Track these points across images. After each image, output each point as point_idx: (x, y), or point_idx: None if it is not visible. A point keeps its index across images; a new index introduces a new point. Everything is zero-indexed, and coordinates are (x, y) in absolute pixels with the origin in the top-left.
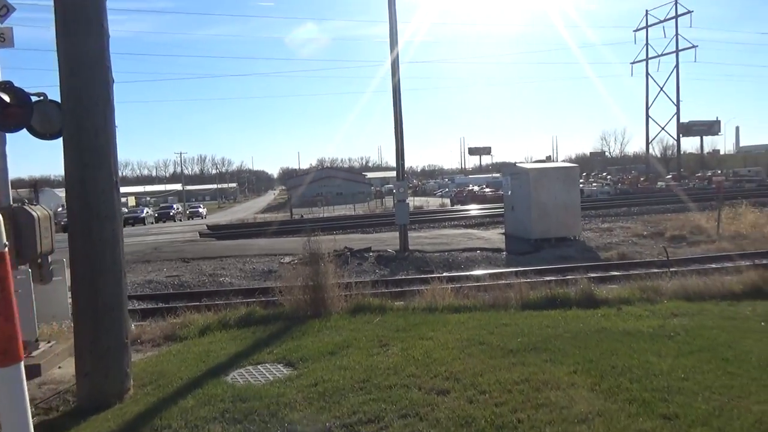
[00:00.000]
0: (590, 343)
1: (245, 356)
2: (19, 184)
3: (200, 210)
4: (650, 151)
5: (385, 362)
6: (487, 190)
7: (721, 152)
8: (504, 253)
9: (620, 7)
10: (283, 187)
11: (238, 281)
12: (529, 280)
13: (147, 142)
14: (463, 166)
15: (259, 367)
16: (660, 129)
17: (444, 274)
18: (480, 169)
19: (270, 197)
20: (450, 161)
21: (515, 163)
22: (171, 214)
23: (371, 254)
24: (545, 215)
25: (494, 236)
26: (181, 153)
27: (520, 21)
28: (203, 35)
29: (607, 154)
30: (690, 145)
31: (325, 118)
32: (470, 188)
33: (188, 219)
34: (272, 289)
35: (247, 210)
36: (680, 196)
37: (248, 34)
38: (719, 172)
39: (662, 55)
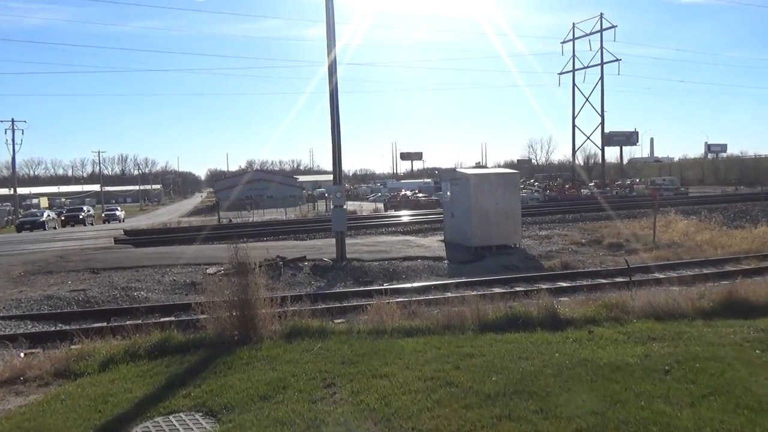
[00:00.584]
0: (581, 383)
1: (155, 402)
2: None
3: (117, 213)
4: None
5: (334, 414)
6: (421, 195)
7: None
8: (446, 261)
9: (549, 19)
10: (211, 190)
11: (156, 296)
12: (477, 292)
13: (62, 139)
14: (395, 171)
15: (171, 418)
16: (586, 138)
17: (385, 285)
18: (412, 174)
19: (197, 200)
20: (382, 166)
21: (455, 168)
22: (80, 217)
23: (306, 264)
24: (486, 222)
25: (434, 244)
26: (99, 152)
27: (450, 28)
28: (126, 29)
29: (534, 161)
30: (610, 154)
31: (255, 119)
32: (403, 193)
33: (104, 222)
34: (195, 306)
35: (172, 213)
36: (606, 204)
37: (176, 29)
38: (637, 180)
39: (588, 67)
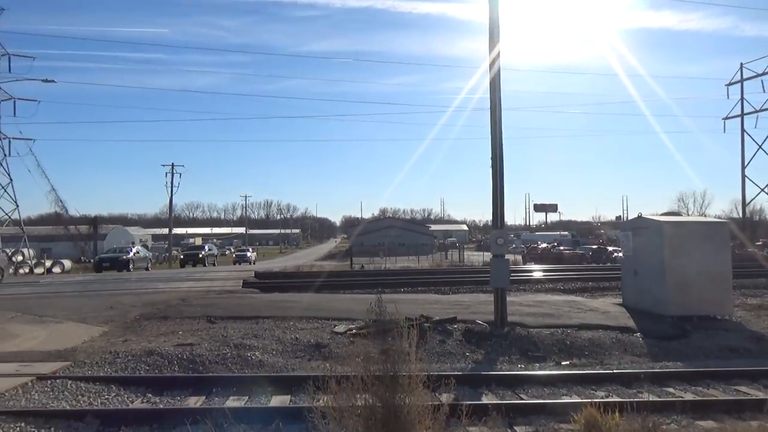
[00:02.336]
0: None
1: None
2: (79, 220)
3: (248, 254)
4: (735, 214)
5: None
6: (563, 248)
7: None
8: (638, 335)
9: (691, 68)
10: (345, 235)
11: (273, 359)
12: (727, 395)
13: (217, 186)
14: (528, 223)
15: None
16: (759, 191)
17: (564, 365)
18: (546, 227)
19: (331, 244)
20: (514, 218)
21: (640, 214)
22: (200, 256)
23: (457, 327)
24: (685, 285)
25: (610, 308)
26: (245, 196)
27: (586, 70)
28: (272, 88)
29: (685, 216)
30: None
31: (387, 167)
32: (544, 246)
33: (234, 264)
34: (317, 382)
35: (308, 256)
36: None
37: (321, 85)
38: None
39: (762, 110)
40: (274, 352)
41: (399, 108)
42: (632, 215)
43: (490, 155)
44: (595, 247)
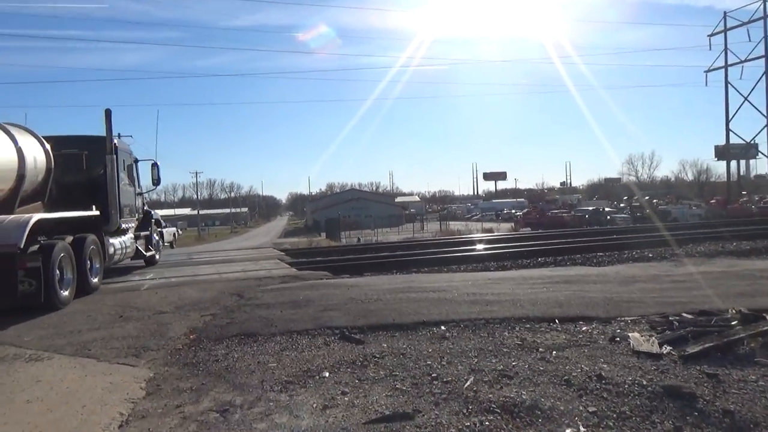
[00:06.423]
0: None
1: None
2: None
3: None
4: (683, 174)
5: None
6: (562, 212)
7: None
8: None
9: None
10: (292, 213)
11: None
12: None
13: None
14: (475, 192)
15: None
16: (745, 143)
17: None
18: (495, 195)
19: (283, 221)
20: (459, 187)
21: None
22: None
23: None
24: None
25: None
26: (197, 172)
27: (520, 25)
28: (205, 64)
29: (632, 178)
30: (723, 170)
31: (330, 143)
32: (538, 209)
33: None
34: None
35: (267, 234)
36: None
37: (249, 61)
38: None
39: (747, 60)
40: (595, 421)
41: (337, 79)
42: (576, 181)
43: None
44: (592, 209)
